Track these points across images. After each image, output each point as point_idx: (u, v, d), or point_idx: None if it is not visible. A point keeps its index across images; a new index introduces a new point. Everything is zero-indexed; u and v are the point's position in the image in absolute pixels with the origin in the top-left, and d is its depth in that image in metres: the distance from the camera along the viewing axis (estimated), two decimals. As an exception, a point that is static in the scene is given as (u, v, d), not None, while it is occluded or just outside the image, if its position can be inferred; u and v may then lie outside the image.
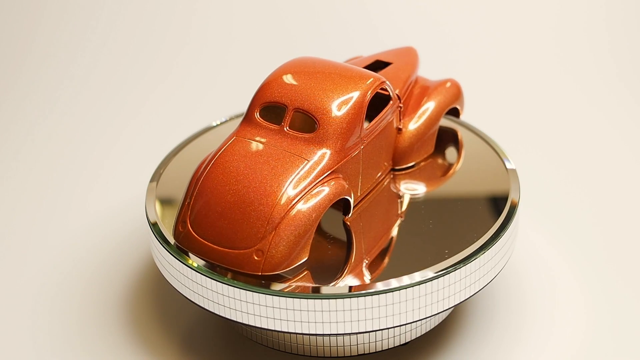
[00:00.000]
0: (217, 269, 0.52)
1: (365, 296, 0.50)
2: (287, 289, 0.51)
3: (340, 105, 0.55)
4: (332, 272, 0.52)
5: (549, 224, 0.70)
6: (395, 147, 0.61)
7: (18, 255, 0.68)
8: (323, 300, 0.50)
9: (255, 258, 0.52)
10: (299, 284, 0.51)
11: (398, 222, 0.57)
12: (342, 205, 0.56)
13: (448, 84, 0.65)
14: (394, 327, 0.52)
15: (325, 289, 0.51)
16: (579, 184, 0.75)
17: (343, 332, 0.51)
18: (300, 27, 0.96)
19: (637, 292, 0.63)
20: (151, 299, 0.63)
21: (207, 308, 0.53)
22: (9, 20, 0.96)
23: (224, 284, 0.51)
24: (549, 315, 0.61)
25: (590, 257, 0.66)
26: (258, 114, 0.57)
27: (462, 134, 0.66)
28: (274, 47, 0.94)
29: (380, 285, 0.51)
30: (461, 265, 0.52)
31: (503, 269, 0.57)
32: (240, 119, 0.62)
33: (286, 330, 0.51)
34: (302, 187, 0.53)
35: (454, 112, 0.67)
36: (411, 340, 0.57)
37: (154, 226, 0.56)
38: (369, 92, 0.57)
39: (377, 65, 0.66)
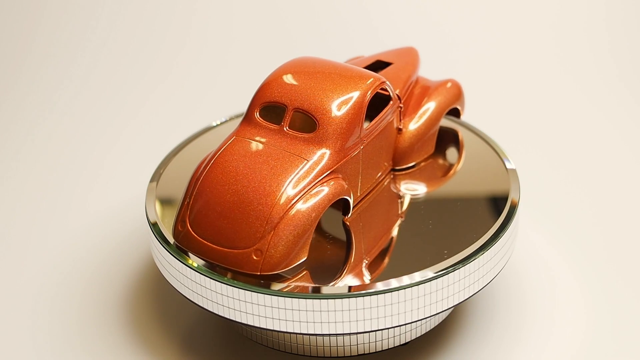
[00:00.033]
0: (217, 268, 0.52)
1: (364, 296, 0.50)
2: (287, 289, 0.51)
3: (340, 105, 0.55)
4: (331, 272, 0.52)
5: (549, 224, 0.70)
6: (395, 147, 0.61)
7: (18, 255, 0.68)
8: (322, 300, 0.50)
9: (254, 258, 0.52)
10: (298, 283, 0.51)
11: (398, 222, 0.57)
12: (341, 205, 0.56)
13: (449, 84, 0.65)
14: (393, 327, 0.52)
15: (324, 289, 0.51)
16: (579, 184, 0.75)
17: (343, 332, 0.51)
18: (300, 27, 0.96)
19: (637, 292, 0.63)
20: (151, 299, 0.63)
21: (207, 308, 0.53)
22: (9, 20, 0.96)
23: (223, 284, 0.51)
24: (549, 315, 0.61)
25: (590, 257, 0.66)
26: (258, 113, 0.57)
27: (462, 134, 0.66)
28: (274, 47, 0.94)
29: (380, 285, 0.51)
30: (461, 266, 0.52)
31: (503, 269, 0.57)
32: (240, 119, 0.62)
33: (286, 330, 0.51)
34: (301, 186, 0.53)
35: (455, 113, 0.67)
36: (411, 340, 0.57)
37: (154, 226, 0.56)
38: (369, 92, 0.57)
39: (378, 66, 0.66)
